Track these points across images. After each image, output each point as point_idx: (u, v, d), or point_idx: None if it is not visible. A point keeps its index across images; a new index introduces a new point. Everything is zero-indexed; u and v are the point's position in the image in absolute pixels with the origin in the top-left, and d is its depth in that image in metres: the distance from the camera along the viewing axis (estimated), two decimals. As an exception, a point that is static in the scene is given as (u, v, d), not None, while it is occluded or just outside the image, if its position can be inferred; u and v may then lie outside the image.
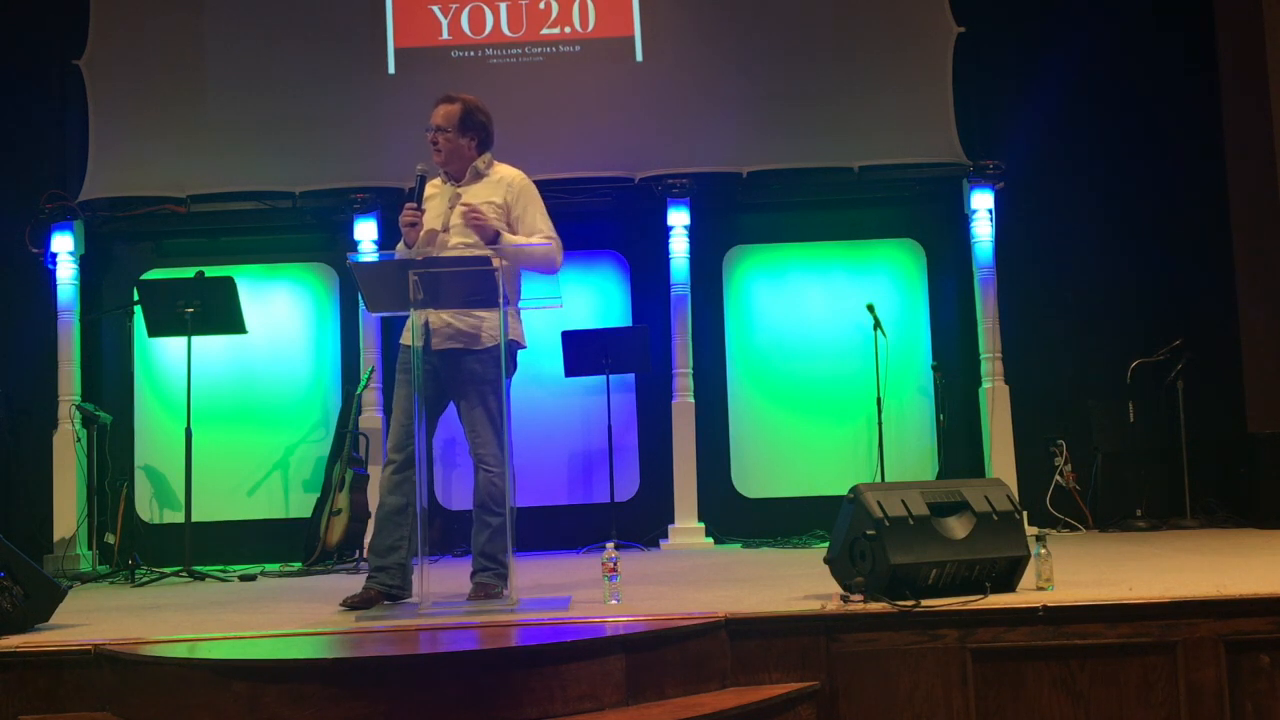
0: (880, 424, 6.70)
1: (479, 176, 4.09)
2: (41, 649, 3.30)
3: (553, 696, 2.98)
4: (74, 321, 6.83)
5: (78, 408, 6.55)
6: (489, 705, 2.94)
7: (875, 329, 6.71)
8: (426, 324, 3.94)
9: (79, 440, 6.62)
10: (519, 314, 4.09)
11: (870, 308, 6.72)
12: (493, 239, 3.89)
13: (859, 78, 6.97)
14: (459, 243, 3.94)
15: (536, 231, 4.02)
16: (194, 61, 6.97)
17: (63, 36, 7.05)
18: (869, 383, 6.82)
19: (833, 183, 7.05)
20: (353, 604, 3.86)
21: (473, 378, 3.94)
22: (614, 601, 3.66)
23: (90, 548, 6.64)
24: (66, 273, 6.84)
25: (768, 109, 6.95)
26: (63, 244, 6.82)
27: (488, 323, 3.93)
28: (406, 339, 4.01)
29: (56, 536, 6.61)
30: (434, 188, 4.14)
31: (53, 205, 6.76)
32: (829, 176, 7.01)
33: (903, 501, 3.53)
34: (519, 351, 4.08)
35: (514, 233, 4.00)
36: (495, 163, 4.15)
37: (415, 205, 3.95)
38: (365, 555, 6.18)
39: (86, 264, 6.93)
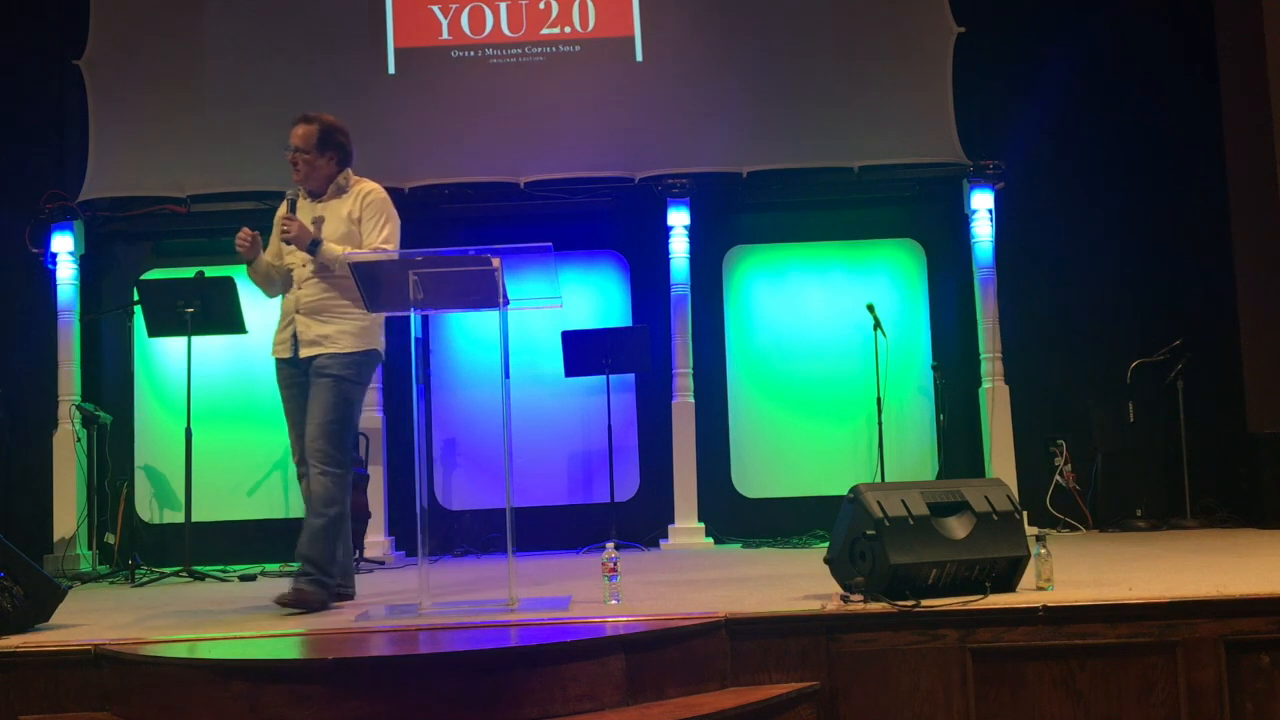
0: (880, 424, 6.70)
1: (340, 191, 4.24)
2: (42, 649, 3.30)
3: (552, 696, 2.98)
4: (74, 321, 6.83)
5: (78, 408, 6.55)
6: (489, 705, 2.95)
7: (875, 329, 6.71)
8: (295, 335, 4.15)
9: (79, 440, 6.62)
10: (380, 325, 4.24)
11: (870, 308, 6.73)
12: (310, 248, 4.08)
13: (859, 78, 6.97)
14: (302, 257, 4.13)
15: (370, 243, 4.15)
16: (194, 61, 6.97)
17: (63, 36, 7.05)
18: (869, 383, 6.82)
19: (833, 183, 7.05)
20: (285, 602, 3.92)
21: (317, 375, 4.09)
22: (614, 601, 3.66)
23: (90, 548, 6.64)
24: (66, 273, 6.84)
25: (768, 109, 6.95)
26: (63, 244, 6.83)
27: (339, 327, 4.10)
28: (278, 353, 4.21)
29: (56, 536, 6.61)
30: (302, 203, 4.28)
31: (53, 205, 6.76)
32: (829, 176, 7.02)
33: (903, 501, 3.53)
34: (375, 361, 4.23)
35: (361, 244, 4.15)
36: (356, 178, 4.28)
37: (291, 216, 4.10)
38: (363, 555, 6.21)
39: (86, 264, 6.94)
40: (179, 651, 3.21)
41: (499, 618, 3.49)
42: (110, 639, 3.35)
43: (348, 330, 4.11)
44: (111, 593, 5.19)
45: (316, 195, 4.24)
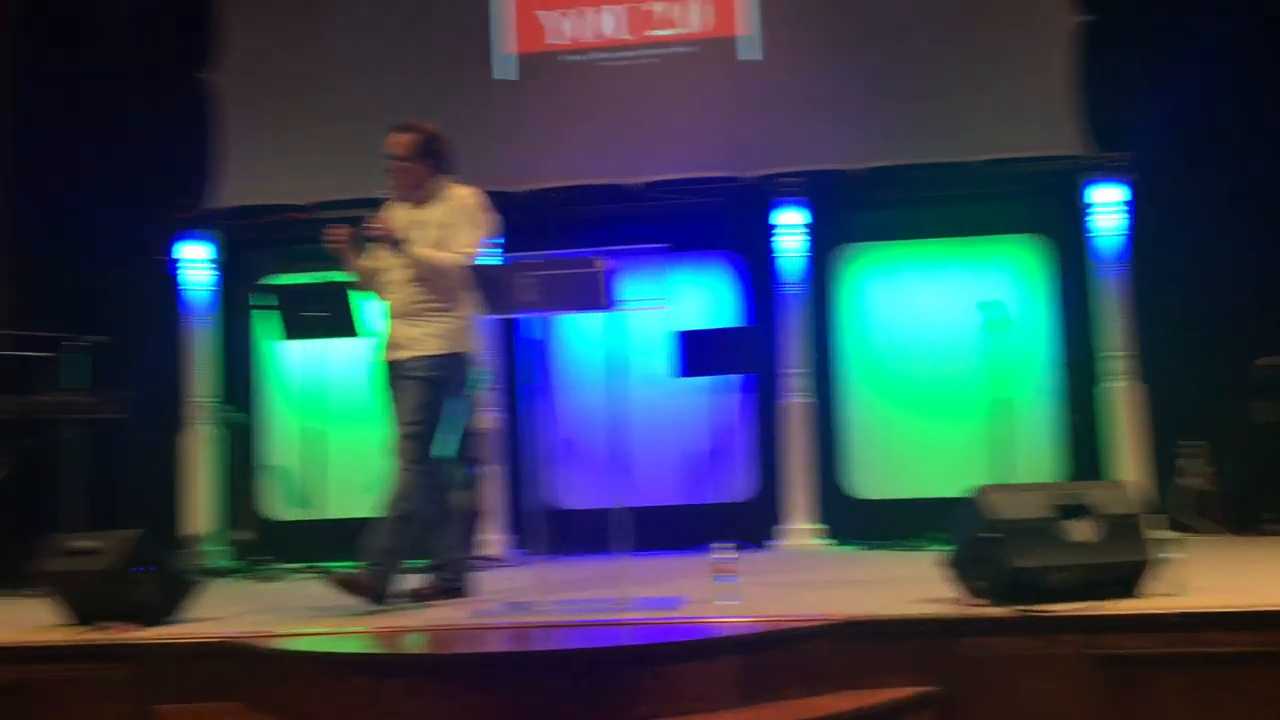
0: (1001, 424, 6.53)
1: (435, 196, 4.31)
2: (176, 641, 3.44)
3: (665, 696, 2.99)
4: (205, 325, 7.11)
5: (210, 408, 6.83)
6: (602, 703, 2.97)
7: (994, 327, 6.55)
8: (392, 338, 4.26)
9: (211, 440, 6.89)
10: (473, 327, 4.30)
11: (989, 305, 6.56)
12: (393, 246, 4.16)
13: (977, 69, 6.81)
14: (394, 261, 4.23)
15: (455, 247, 4.20)
16: (316, 74, 7.18)
17: (192, 51, 7.33)
18: (989, 382, 6.65)
19: (949, 178, 6.89)
20: (420, 596, 4.11)
21: (403, 376, 4.18)
22: (727, 602, 3.65)
23: (222, 544, 6.90)
24: (197, 278, 7.13)
25: (881, 104, 6.84)
26: (193, 251, 7.11)
27: (426, 330, 4.19)
28: (378, 356, 4.31)
29: (191, 533, 6.88)
30: (399, 209, 4.37)
31: (183, 214, 7.03)
32: (945, 172, 6.86)
33: (1025, 503, 3.45)
34: (465, 363, 4.30)
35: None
36: (451, 183, 4.37)
37: (379, 216, 4.24)
38: (483, 553, 6.31)
39: (215, 270, 7.19)
40: (304, 645, 3.32)
41: (612, 616, 3.51)
42: (240, 632, 3.48)
43: (434, 333, 4.19)
44: (242, 587, 5.38)
45: (414, 202, 4.33)
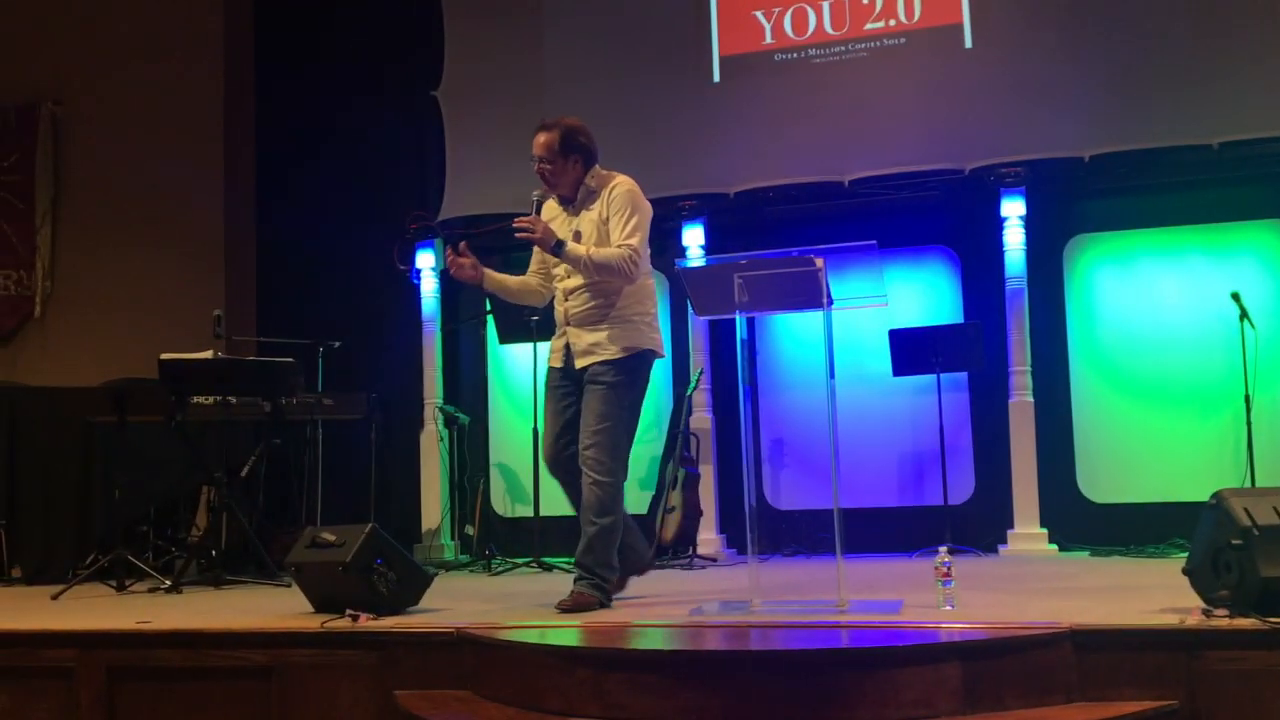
0: (1249, 423, 6.09)
1: (591, 194, 4.19)
2: (412, 630, 3.63)
3: (885, 701, 2.94)
4: (436, 331, 7.46)
5: (440, 410, 7.18)
6: (819, 706, 2.95)
7: (1241, 319, 6.10)
8: (568, 345, 4.16)
9: (441, 440, 7.24)
10: (651, 324, 4.18)
11: (1235, 296, 6.12)
12: (554, 249, 4.05)
13: (1216, 45, 6.36)
14: (567, 266, 4.15)
15: (616, 239, 4.07)
16: (536, 85, 7.42)
17: (422, 70, 7.71)
18: (1234, 378, 6.21)
19: (1187, 162, 6.47)
20: (565, 607, 3.95)
21: (591, 382, 4.07)
22: (948, 607, 3.56)
23: (452, 538, 7.23)
24: (429, 286, 7.50)
25: (1111, 87, 6.48)
26: (425, 260, 7.49)
27: (609, 332, 4.08)
28: (552, 361, 4.24)
29: (424, 528, 7.24)
30: (553, 210, 4.28)
31: (416, 225, 7.38)
32: (1183, 156, 6.44)
33: (1275, 508, 3.21)
34: (655, 361, 4.19)
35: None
36: (603, 173, 4.21)
37: (535, 218, 4.13)
38: (696, 552, 6.38)
39: (446, 278, 7.51)
40: (531, 636, 3.44)
41: (829, 619, 3.48)
42: (471, 623, 3.64)
43: (618, 335, 4.09)
44: (471, 580, 5.63)
45: (568, 202, 4.24)
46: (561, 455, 4.22)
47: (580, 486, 4.10)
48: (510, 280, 4.39)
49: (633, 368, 4.11)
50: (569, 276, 4.18)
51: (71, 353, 7.99)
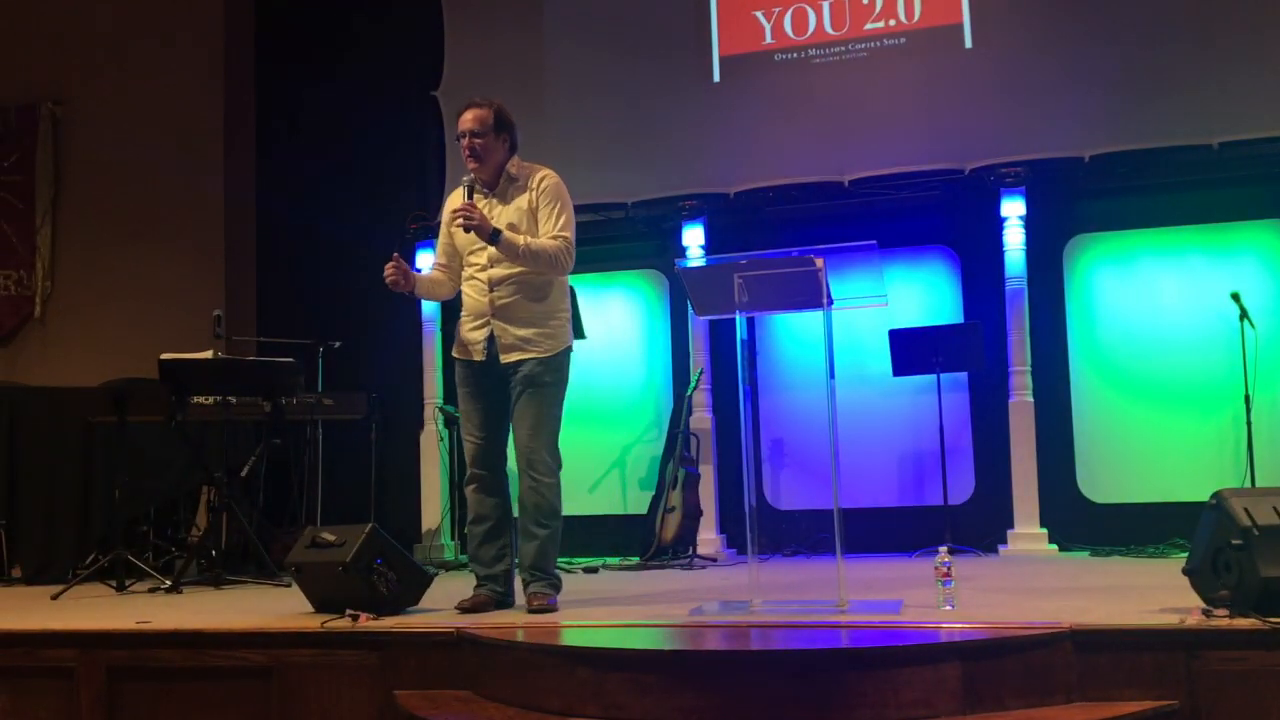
0: (1249, 424, 6.09)
1: (512, 182, 4.12)
2: (412, 630, 3.63)
3: (885, 701, 2.94)
4: (436, 331, 7.45)
5: (440, 410, 7.17)
6: (819, 706, 2.95)
7: (1241, 319, 6.11)
8: (491, 337, 4.04)
9: (441, 440, 7.24)
10: (568, 319, 4.14)
11: (1235, 296, 6.13)
12: (491, 238, 3.95)
13: (1216, 45, 6.35)
14: (490, 256, 4.04)
15: (546, 232, 4.02)
16: (535, 85, 7.41)
17: (422, 70, 7.70)
18: (1234, 378, 6.21)
19: (1187, 162, 6.47)
20: (464, 608, 3.95)
21: (528, 383, 4.01)
22: (948, 607, 3.56)
23: (453, 538, 7.22)
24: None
25: (1111, 87, 6.48)
26: (425, 260, 7.46)
27: (540, 329, 4.03)
28: (468, 355, 4.12)
29: (424, 528, 7.24)
30: (484, 202, 4.15)
31: (416, 226, 7.38)
32: (1183, 156, 6.44)
33: (1275, 508, 3.21)
34: (569, 356, 4.14)
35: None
36: (525, 164, 4.16)
37: (471, 204, 4.01)
38: (696, 551, 6.38)
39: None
40: (531, 637, 3.44)
41: (829, 619, 3.48)
42: (471, 623, 3.64)
43: (548, 332, 4.04)
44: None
45: (490, 187, 4.12)
46: (491, 451, 4.15)
47: (494, 484, 4.13)
48: (422, 277, 4.29)
49: (561, 364, 4.10)
50: (492, 266, 4.06)
51: (71, 353, 7.99)
